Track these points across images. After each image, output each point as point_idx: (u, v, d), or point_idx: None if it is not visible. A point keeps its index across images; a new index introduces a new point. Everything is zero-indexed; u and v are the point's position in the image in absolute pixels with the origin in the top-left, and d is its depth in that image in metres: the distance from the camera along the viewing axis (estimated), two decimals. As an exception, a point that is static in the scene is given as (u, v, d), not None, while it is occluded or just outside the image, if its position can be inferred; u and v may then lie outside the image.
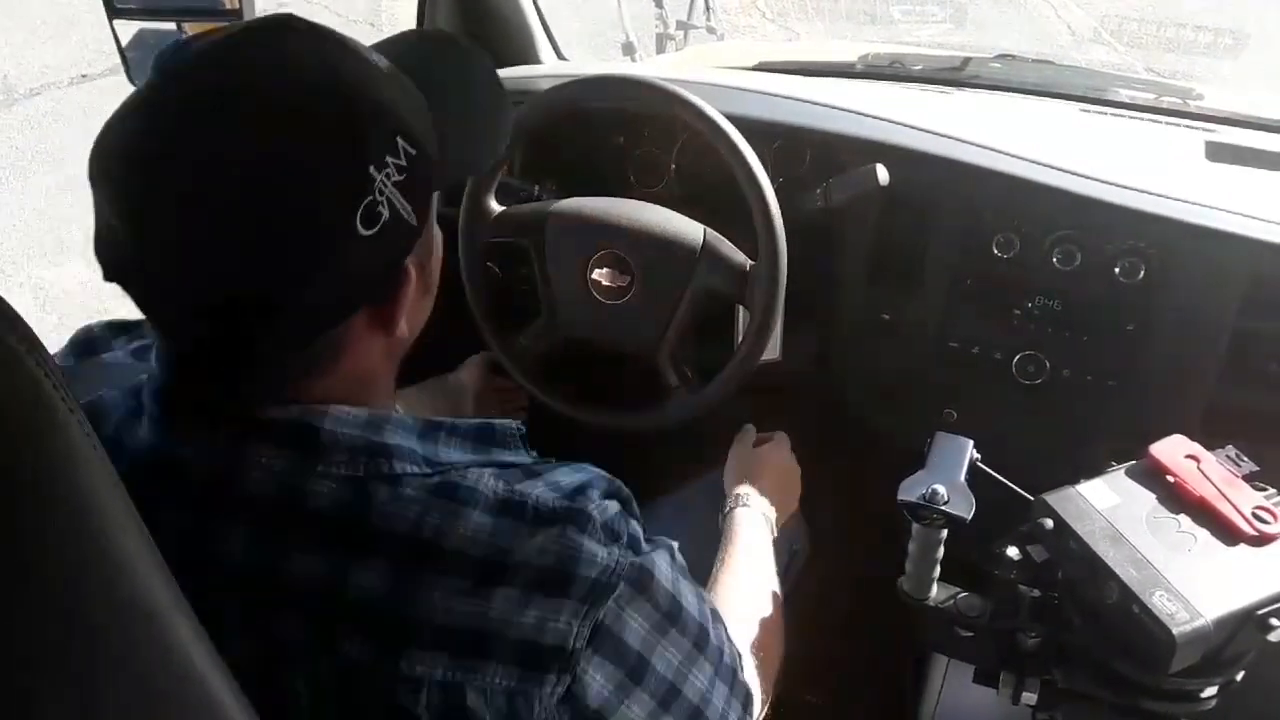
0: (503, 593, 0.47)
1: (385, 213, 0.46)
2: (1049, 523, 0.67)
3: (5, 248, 2.84)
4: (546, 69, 1.29)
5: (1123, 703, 0.68)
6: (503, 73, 0.91)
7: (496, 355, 1.06)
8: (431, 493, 0.48)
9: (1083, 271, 0.98)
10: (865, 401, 1.12)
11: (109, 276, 0.47)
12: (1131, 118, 1.18)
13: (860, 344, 1.09)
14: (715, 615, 0.60)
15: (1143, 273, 0.96)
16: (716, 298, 0.97)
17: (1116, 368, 0.98)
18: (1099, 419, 0.99)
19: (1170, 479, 0.68)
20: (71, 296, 2.66)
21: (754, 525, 0.87)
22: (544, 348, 1.04)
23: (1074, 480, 0.70)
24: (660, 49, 2.54)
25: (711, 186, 1.06)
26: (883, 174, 0.98)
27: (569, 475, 0.53)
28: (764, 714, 0.69)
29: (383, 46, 0.54)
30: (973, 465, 0.77)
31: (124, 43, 0.98)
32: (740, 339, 0.98)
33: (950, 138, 1.02)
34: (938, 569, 0.77)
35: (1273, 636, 0.60)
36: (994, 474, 0.77)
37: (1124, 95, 1.23)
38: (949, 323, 1.04)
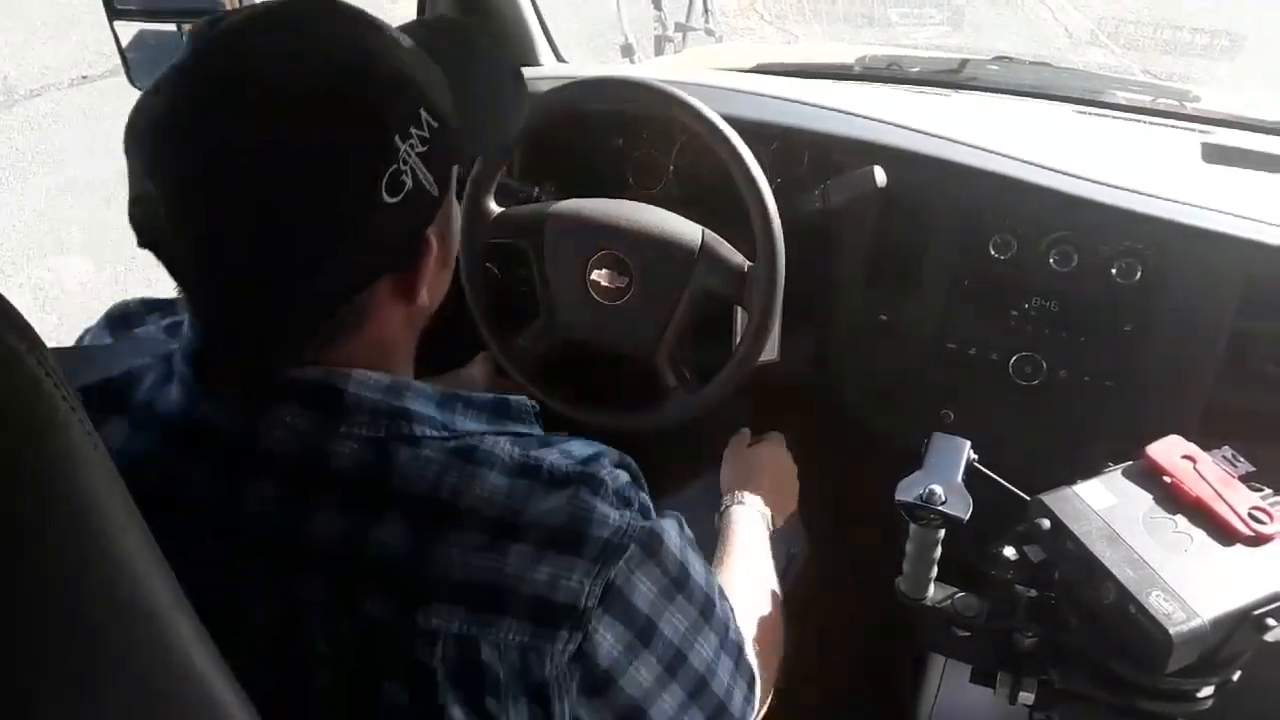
0: (517, 549, 0.48)
1: (409, 182, 0.48)
2: (1046, 523, 0.68)
3: (5, 248, 2.84)
4: (545, 71, 1.29)
5: (1119, 703, 0.68)
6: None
7: (496, 356, 1.06)
8: (450, 454, 0.50)
9: (1080, 272, 0.98)
10: (863, 402, 1.12)
11: (142, 243, 0.49)
12: (1128, 119, 1.18)
13: (858, 345, 1.09)
14: (722, 592, 0.61)
15: (1139, 274, 0.96)
16: (715, 299, 0.97)
17: (1114, 368, 0.98)
18: (1096, 420, 0.99)
19: (1167, 479, 0.69)
20: (71, 297, 2.66)
21: (750, 523, 0.87)
22: (543, 349, 1.04)
23: (1071, 481, 0.70)
24: (659, 51, 2.54)
25: (710, 188, 1.07)
26: (880, 176, 0.98)
27: (581, 447, 0.55)
28: (763, 713, 0.70)
29: (401, 29, 0.56)
30: (970, 466, 0.77)
31: (124, 44, 0.99)
32: (738, 340, 0.98)
33: (948, 139, 1.03)
34: (935, 569, 0.77)
35: (1269, 636, 0.60)
36: (991, 474, 0.77)
37: (1121, 97, 1.24)
38: (946, 324, 1.04)
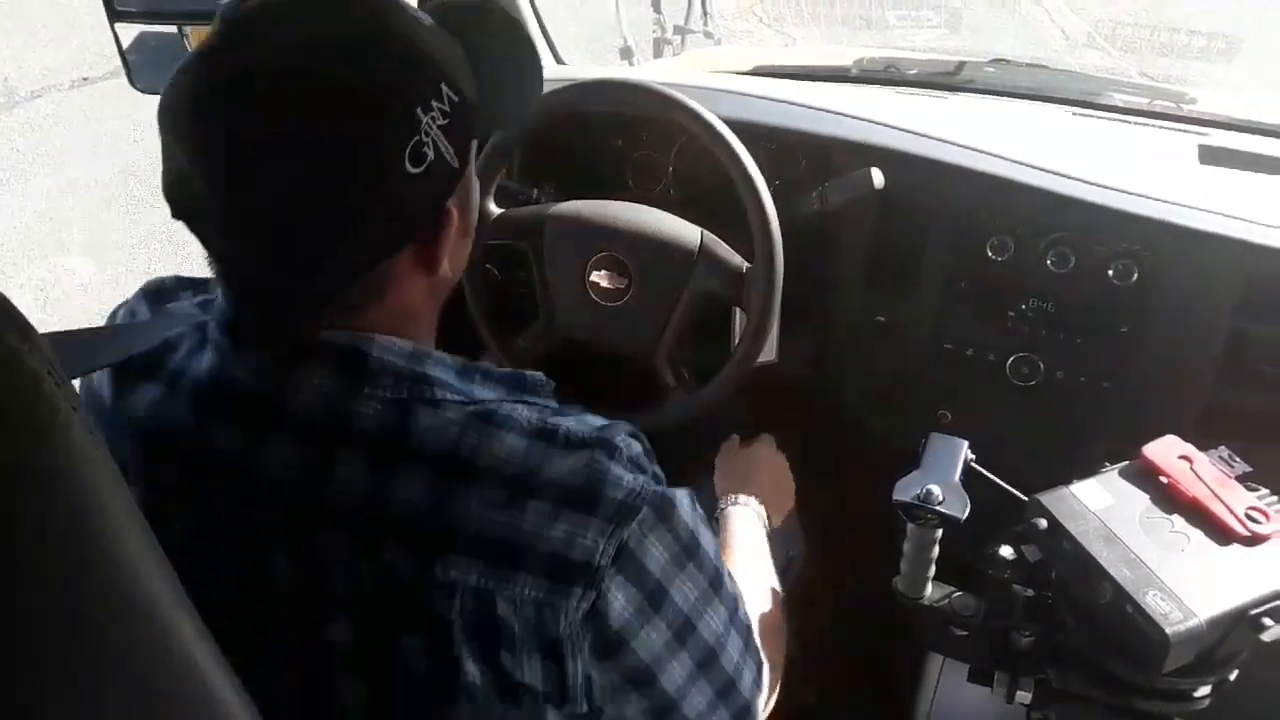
0: (534, 506, 0.50)
1: (431, 153, 0.49)
2: (1043, 523, 0.68)
3: (6, 249, 2.84)
4: (545, 73, 1.29)
5: (1116, 702, 0.68)
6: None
7: (496, 357, 1.06)
8: (470, 417, 0.52)
9: (1077, 274, 0.98)
10: (861, 402, 1.12)
11: (176, 214, 0.51)
12: (1125, 121, 1.18)
13: (856, 345, 1.09)
14: (730, 574, 0.61)
15: (1136, 275, 0.96)
16: (714, 300, 0.97)
17: (1110, 369, 0.98)
18: (1093, 420, 1.00)
19: (1163, 479, 0.69)
20: (71, 298, 2.66)
21: (747, 523, 0.87)
22: (542, 349, 1.04)
23: (1068, 481, 0.70)
24: (658, 53, 2.55)
25: (709, 189, 1.07)
26: (878, 177, 0.98)
27: (596, 419, 0.56)
28: (768, 712, 0.70)
29: (421, 9, 0.58)
30: (967, 466, 0.77)
31: (125, 45, 0.99)
32: (737, 341, 0.98)
33: (945, 141, 1.03)
34: (932, 568, 0.77)
35: (1266, 636, 0.60)
36: (988, 474, 0.77)
37: (1117, 99, 1.24)
38: (944, 324, 1.04)
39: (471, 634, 0.49)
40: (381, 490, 0.50)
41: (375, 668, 0.51)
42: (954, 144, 1.02)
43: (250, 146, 0.47)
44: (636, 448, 0.55)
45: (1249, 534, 0.64)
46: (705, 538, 0.57)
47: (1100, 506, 0.67)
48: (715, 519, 0.89)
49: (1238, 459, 0.70)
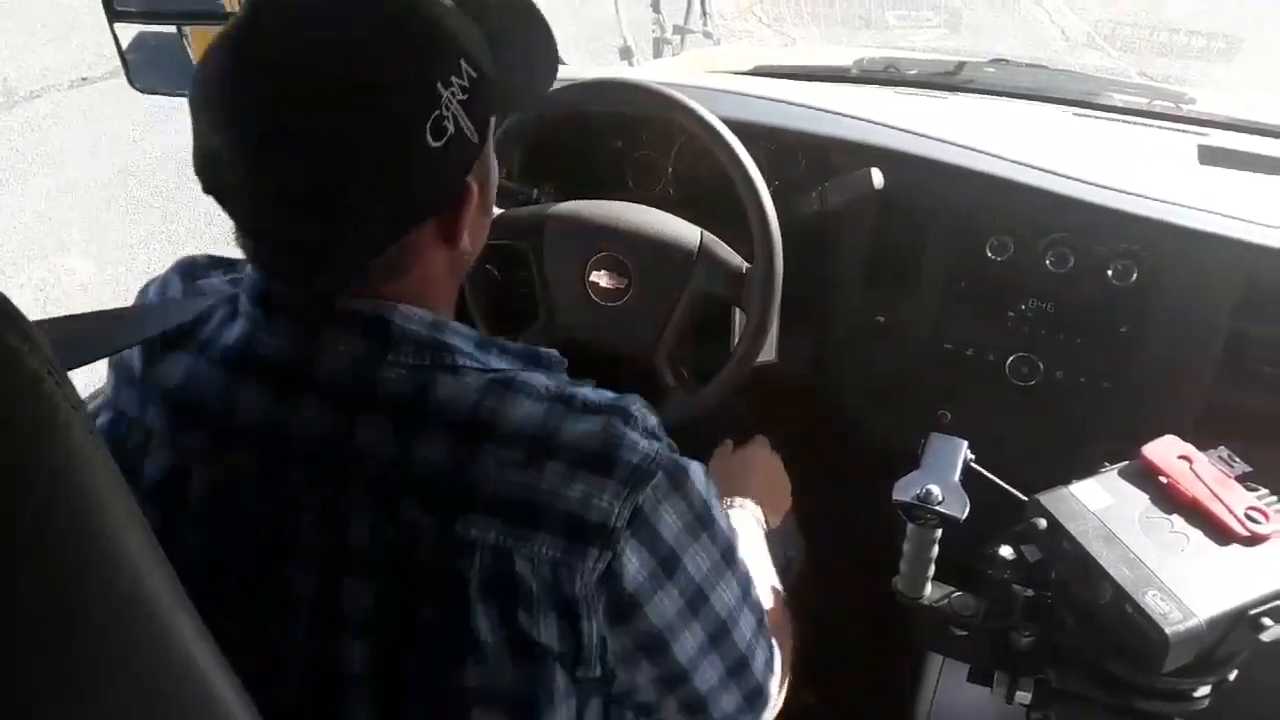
0: (552, 467, 0.51)
1: (451, 128, 0.51)
2: (1042, 523, 0.68)
3: (6, 249, 2.84)
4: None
5: (1116, 702, 0.68)
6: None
7: None
8: (489, 383, 0.53)
9: (1076, 274, 0.98)
10: (860, 402, 1.12)
11: (207, 190, 0.53)
12: (1124, 121, 1.18)
13: (855, 345, 1.09)
14: (742, 554, 0.62)
15: (1135, 275, 0.96)
16: (713, 300, 0.97)
17: (1110, 369, 0.98)
18: (1093, 420, 1.00)
19: (1163, 479, 0.69)
20: (71, 298, 2.66)
21: (744, 525, 0.87)
22: (542, 350, 1.04)
23: (1068, 481, 0.70)
24: (657, 53, 2.55)
25: (708, 190, 1.07)
26: (878, 177, 0.98)
27: (609, 392, 0.58)
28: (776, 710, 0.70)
29: None
30: (967, 466, 0.77)
31: (124, 45, 0.99)
32: (737, 341, 0.98)
33: (944, 142, 1.03)
34: (932, 568, 0.77)
35: (1265, 636, 0.60)
36: (988, 474, 0.77)
37: (1117, 99, 1.24)
38: (943, 324, 1.04)
39: (489, 592, 0.50)
40: (404, 452, 0.51)
41: (390, 630, 0.52)
42: (954, 144, 1.02)
43: (277, 120, 0.49)
44: (652, 419, 0.57)
45: (1248, 534, 0.64)
46: (717, 509, 0.58)
47: (1100, 506, 0.67)
48: None
49: (1237, 459, 0.70)
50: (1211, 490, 0.67)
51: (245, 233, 0.54)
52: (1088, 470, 0.71)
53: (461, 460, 0.51)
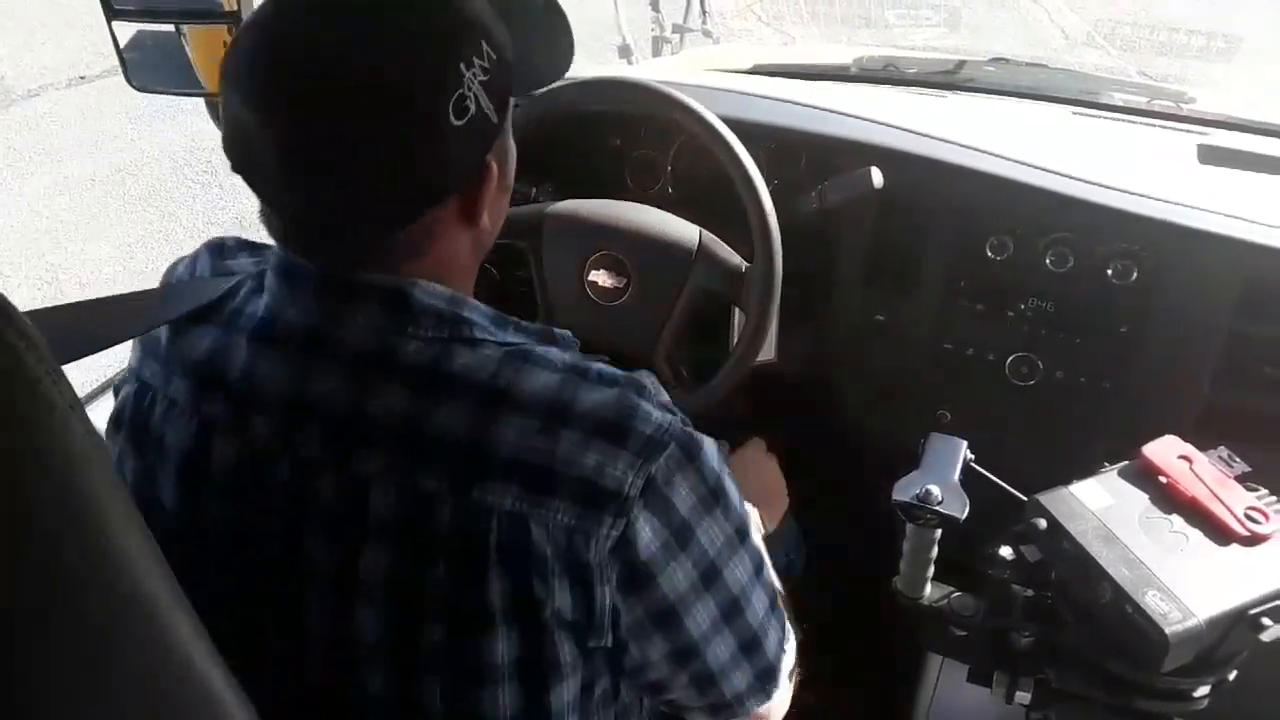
0: (567, 435, 0.52)
1: (472, 107, 0.52)
2: (1042, 523, 0.68)
3: (3, 247, 2.84)
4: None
5: (1116, 702, 0.68)
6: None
7: None
8: (506, 354, 0.55)
9: (1076, 273, 0.98)
10: (860, 402, 1.12)
11: (236, 168, 0.54)
12: (1124, 121, 1.18)
13: (855, 345, 1.09)
14: (755, 533, 0.62)
15: (1135, 275, 0.96)
16: (713, 299, 0.97)
17: (1110, 369, 0.98)
18: (1093, 420, 1.00)
19: (1163, 479, 0.69)
20: (68, 297, 2.65)
21: None
22: (541, 349, 1.04)
23: (1067, 481, 0.70)
24: (656, 52, 2.55)
25: (708, 189, 1.07)
26: (877, 177, 0.98)
27: (620, 370, 0.59)
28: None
29: None
30: (967, 466, 0.77)
31: (122, 44, 0.99)
32: (736, 340, 0.98)
33: (944, 140, 1.03)
34: (932, 569, 0.77)
35: (1265, 636, 0.60)
36: (988, 474, 0.77)
37: (1117, 98, 1.24)
38: (943, 324, 1.04)
39: (504, 557, 0.51)
40: (422, 419, 0.52)
41: (406, 599, 0.52)
42: (954, 143, 1.02)
43: (303, 97, 0.50)
44: (665, 395, 0.58)
45: (1248, 534, 0.64)
46: (730, 486, 0.58)
47: (1100, 506, 0.67)
48: None
49: (1237, 459, 0.70)
50: (1211, 490, 0.67)
51: (272, 209, 0.55)
52: (1087, 470, 0.71)
53: (479, 428, 0.52)
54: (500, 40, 0.55)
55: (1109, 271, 0.97)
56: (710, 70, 1.38)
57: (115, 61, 0.99)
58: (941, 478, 0.74)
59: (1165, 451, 0.70)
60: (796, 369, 1.10)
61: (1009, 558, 0.71)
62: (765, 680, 0.62)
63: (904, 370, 1.07)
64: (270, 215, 0.56)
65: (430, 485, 0.52)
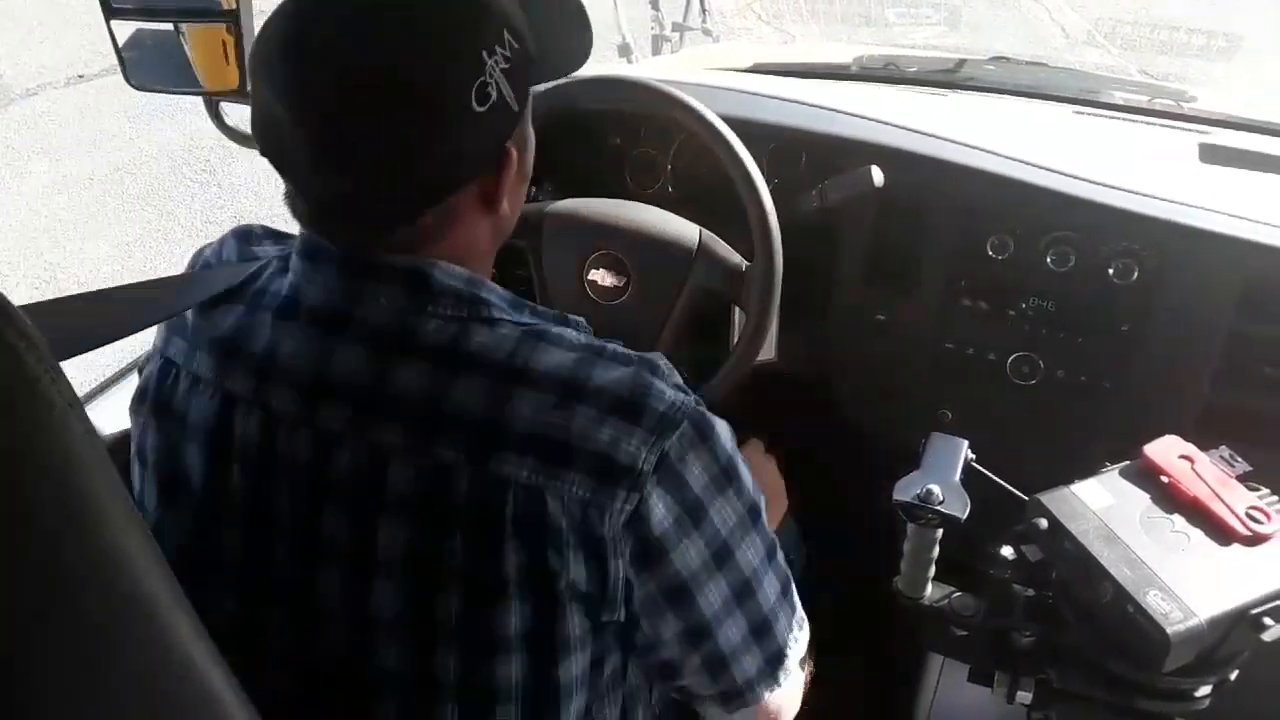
0: (582, 410, 0.53)
1: (494, 94, 0.54)
2: (1043, 523, 0.68)
3: (2, 246, 2.84)
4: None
5: (1117, 702, 0.68)
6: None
7: None
8: (523, 333, 0.56)
9: (1077, 272, 0.98)
10: (860, 402, 1.12)
11: (264, 152, 0.55)
12: (1125, 119, 1.18)
13: (856, 344, 1.09)
14: (765, 524, 0.62)
15: (1137, 274, 0.96)
16: (712, 298, 0.97)
17: (1111, 368, 0.98)
18: (1094, 420, 0.99)
19: (1164, 479, 0.69)
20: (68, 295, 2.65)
21: None
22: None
23: (1069, 480, 0.70)
24: (656, 51, 2.54)
25: (708, 188, 1.07)
26: (878, 175, 0.98)
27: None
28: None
29: None
30: (968, 465, 0.77)
31: (121, 43, 0.98)
32: (736, 339, 0.98)
33: (945, 139, 1.03)
34: (932, 568, 0.77)
35: (1266, 636, 0.60)
36: (989, 474, 0.77)
37: (1118, 97, 1.24)
38: (944, 323, 1.04)
39: (520, 529, 0.52)
40: (441, 393, 0.54)
41: (422, 572, 0.53)
42: (954, 142, 1.02)
43: (329, 83, 0.52)
44: (678, 377, 0.58)
45: (1250, 534, 0.64)
46: (744, 471, 0.59)
47: (1101, 506, 0.67)
48: None
49: (1238, 459, 0.70)
50: (1213, 490, 0.67)
51: (298, 191, 0.56)
52: (1089, 470, 0.71)
53: (497, 402, 0.53)
54: (522, 30, 0.57)
55: (1110, 271, 0.97)
56: (710, 69, 1.38)
57: (114, 60, 0.98)
58: (942, 477, 0.74)
59: (1166, 451, 0.70)
60: (797, 368, 1.10)
61: (1010, 557, 0.71)
62: (775, 665, 0.63)
63: (904, 370, 1.07)
64: (296, 198, 0.57)
65: (448, 456, 0.53)
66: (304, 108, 0.52)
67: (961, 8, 4.05)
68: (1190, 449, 0.70)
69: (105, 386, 0.96)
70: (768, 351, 0.97)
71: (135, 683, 0.35)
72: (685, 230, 0.96)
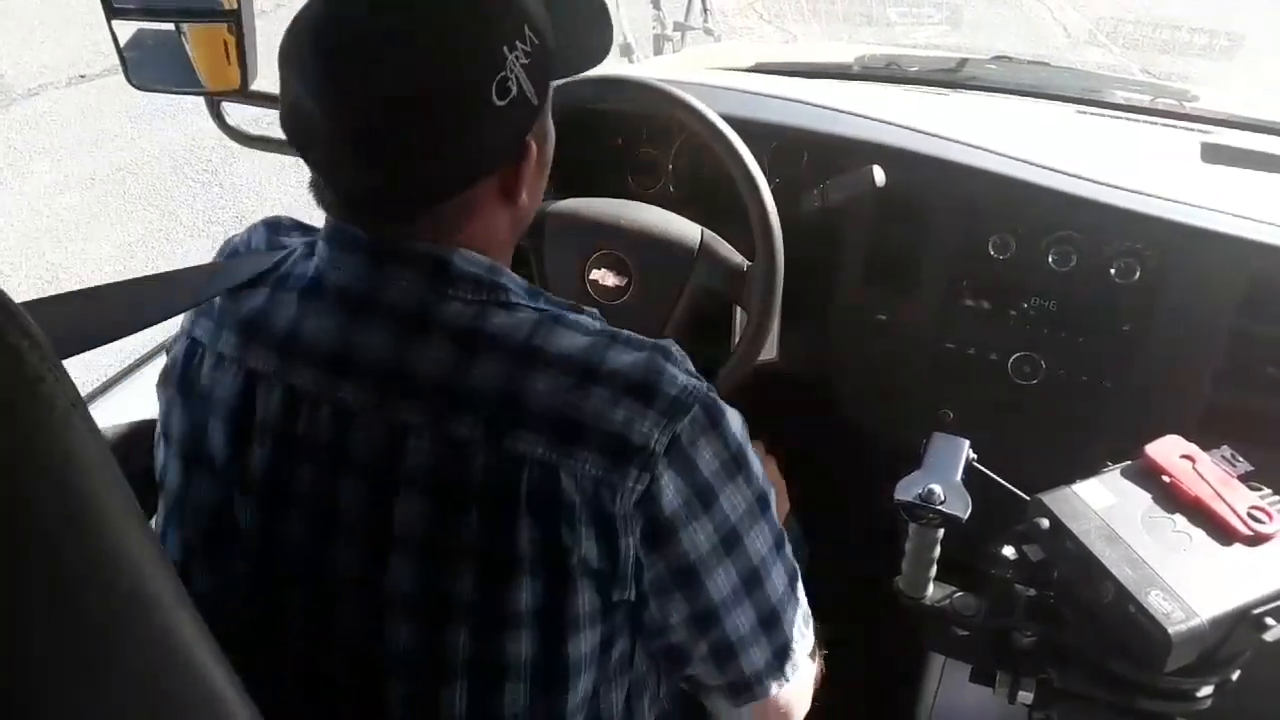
0: (597, 391, 0.55)
1: (514, 89, 0.55)
2: (1045, 522, 0.68)
3: (4, 245, 2.84)
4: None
5: (1119, 702, 0.68)
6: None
7: None
8: (541, 318, 0.58)
9: (1079, 272, 0.98)
10: (862, 401, 1.12)
11: (292, 141, 0.57)
12: (1127, 119, 1.18)
13: (857, 344, 1.09)
14: (774, 514, 0.63)
15: (1138, 274, 0.96)
16: (714, 298, 0.97)
17: (1112, 368, 0.98)
18: (1095, 419, 0.99)
19: (1166, 479, 0.69)
20: (68, 297, 2.65)
21: None
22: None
23: (1070, 480, 0.70)
24: (658, 50, 2.54)
25: (709, 187, 1.07)
26: (879, 175, 0.98)
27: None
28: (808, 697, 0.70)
29: None
30: (969, 465, 0.77)
31: (122, 43, 0.98)
32: (737, 339, 0.98)
33: (946, 139, 1.03)
34: (934, 568, 0.77)
35: (1268, 636, 0.60)
36: (990, 474, 0.77)
37: (1119, 97, 1.24)
38: (945, 323, 1.04)
39: (534, 505, 0.53)
40: (459, 373, 0.55)
41: (436, 549, 0.54)
42: (956, 141, 1.02)
43: (354, 74, 0.53)
44: (690, 364, 0.59)
45: (1251, 533, 0.64)
46: (753, 459, 0.59)
47: (1102, 506, 0.67)
48: None
49: (1240, 458, 0.70)
50: (1214, 490, 0.67)
51: (324, 179, 0.58)
52: (1090, 469, 0.71)
53: (513, 381, 0.55)
54: (542, 25, 0.58)
55: (1112, 270, 0.97)
56: (712, 68, 1.38)
57: (115, 60, 0.98)
58: (944, 477, 0.74)
59: (1168, 451, 0.70)
60: (798, 368, 1.10)
61: (1011, 557, 0.71)
62: (783, 659, 0.63)
63: (906, 369, 1.07)
64: (322, 187, 0.59)
65: (464, 433, 0.54)
66: (324, 97, 0.53)
67: (963, 7, 4.05)
68: (1192, 449, 0.70)
69: (114, 382, 0.96)
70: (769, 351, 0.97)
71: (136, 683, 0.35)
72: (687, 230, 0.96)
